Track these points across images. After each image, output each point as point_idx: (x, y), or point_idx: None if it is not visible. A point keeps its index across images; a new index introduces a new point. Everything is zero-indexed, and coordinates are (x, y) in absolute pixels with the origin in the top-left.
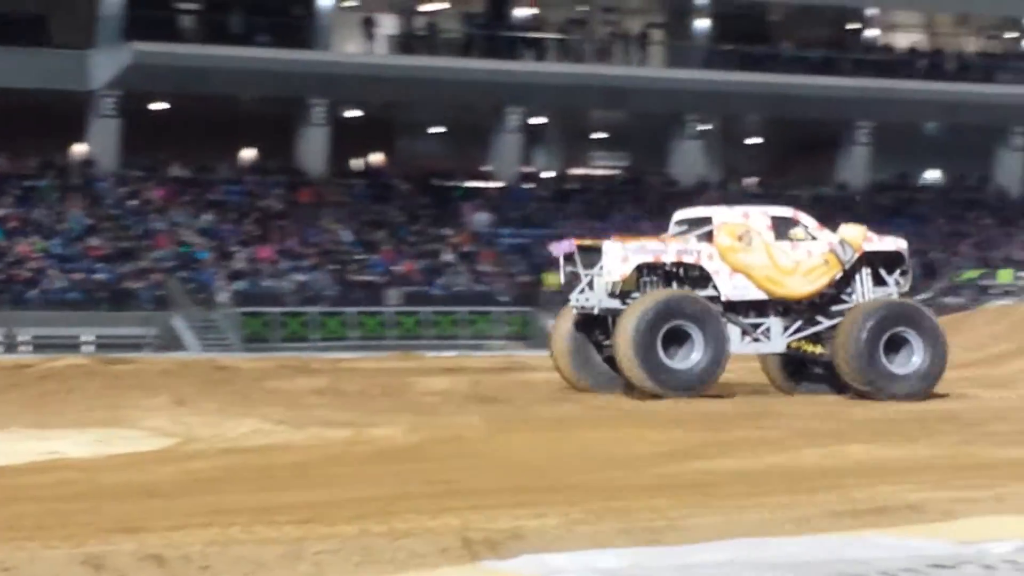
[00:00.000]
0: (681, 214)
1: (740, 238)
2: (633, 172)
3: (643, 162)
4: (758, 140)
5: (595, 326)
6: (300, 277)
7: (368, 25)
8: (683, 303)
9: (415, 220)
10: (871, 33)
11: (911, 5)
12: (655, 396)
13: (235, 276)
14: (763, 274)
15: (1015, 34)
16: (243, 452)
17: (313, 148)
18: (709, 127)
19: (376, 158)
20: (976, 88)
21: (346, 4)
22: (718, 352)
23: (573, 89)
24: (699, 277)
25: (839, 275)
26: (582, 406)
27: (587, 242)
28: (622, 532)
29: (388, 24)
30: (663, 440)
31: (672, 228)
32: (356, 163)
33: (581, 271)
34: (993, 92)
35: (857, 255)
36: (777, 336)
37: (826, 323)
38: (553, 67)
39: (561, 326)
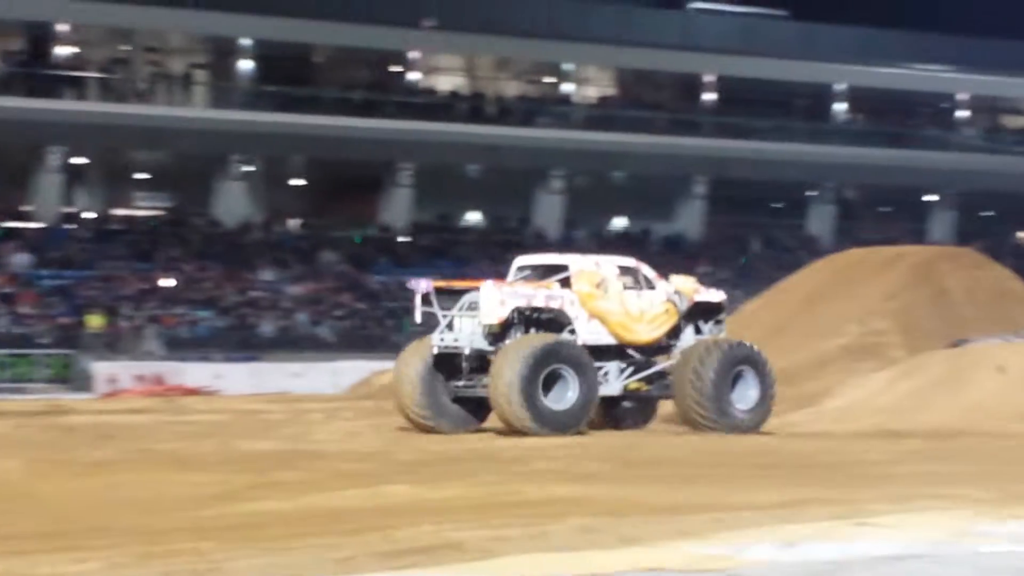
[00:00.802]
0: (525, 260)
1: (598, 286)
2: (177, 213)
3: (187, 203)
4: (302, 181)
5: (449, 367)
6: None
7: None
8: (562, 348)
9: None
10: (413, 76)
11: (452, 49)
12: (525, 435)
13: None
14: (616, 320)
15: (553, 79)
16: None
17: None
18: (252, 168)
19: None
20: (516, 131)
21: None
22: (591, 394)
23: (115, 129)
24: (554, 321)
25: (676, 323)
26: (124, 450)
27: (443, 284)
28: None
29: None
30: (207, 482)
31: (514, 273)
32: None
33: (439, 312)
34: (532, 135)
35: (689, 304)
36: (614, 379)
37: (660, 365)
38: (94, 106)
39: (410, 367)
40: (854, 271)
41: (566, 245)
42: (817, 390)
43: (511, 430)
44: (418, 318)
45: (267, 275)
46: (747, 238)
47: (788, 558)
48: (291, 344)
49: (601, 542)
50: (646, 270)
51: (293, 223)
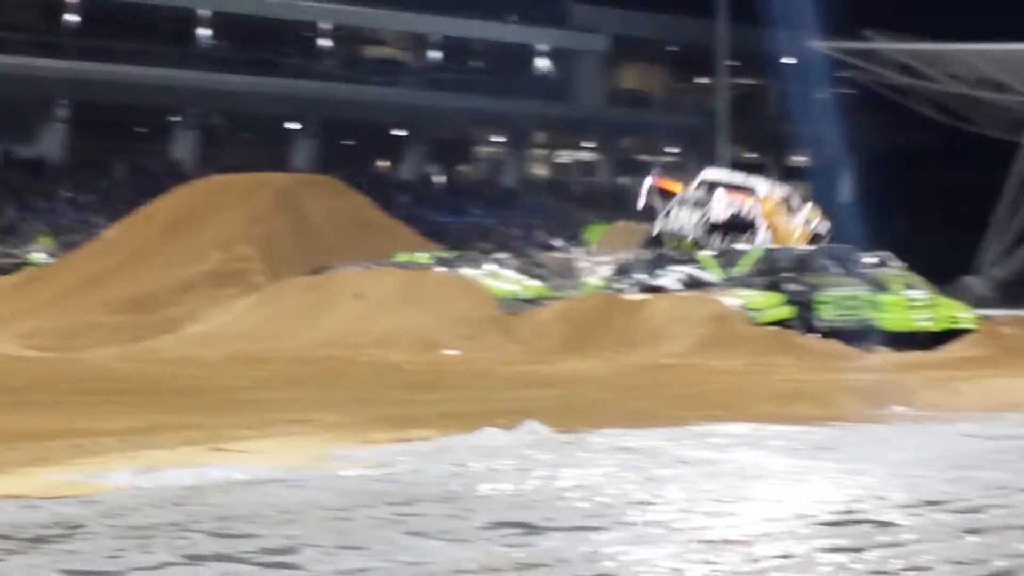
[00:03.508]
0: (711, 175)
1: (777, 207)
2: None
3: None
4: None
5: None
6: None
7: None
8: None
9: None
10: None
11: None
12: None
13: None
14: (782, 233)
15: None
16: None
17: None
18: None
19: None
20: (21, 60)
21: None
22: None
23: None
24: (740, 226)
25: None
26: None
27: (665, 185)
28: None
29: None
30: None
31: (696, 184)
32: None
33: (660, 204)
34: (37, 65)
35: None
36: None
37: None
38: None
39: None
40: (217, 197)
41: None
42: (179, 316)
43: None
44: (641, 205)
45: None
46: (111, 163)
47: (147, 484)
48: None
49: None
50: (795, 199)
51: None
